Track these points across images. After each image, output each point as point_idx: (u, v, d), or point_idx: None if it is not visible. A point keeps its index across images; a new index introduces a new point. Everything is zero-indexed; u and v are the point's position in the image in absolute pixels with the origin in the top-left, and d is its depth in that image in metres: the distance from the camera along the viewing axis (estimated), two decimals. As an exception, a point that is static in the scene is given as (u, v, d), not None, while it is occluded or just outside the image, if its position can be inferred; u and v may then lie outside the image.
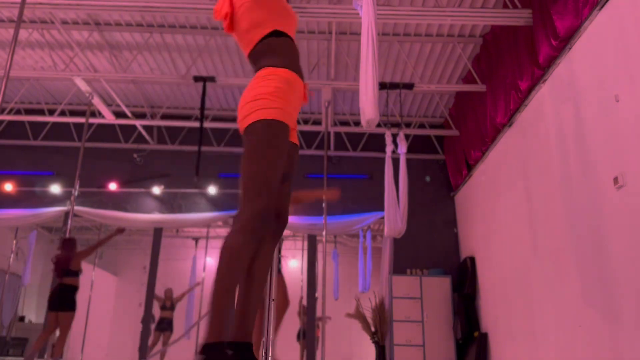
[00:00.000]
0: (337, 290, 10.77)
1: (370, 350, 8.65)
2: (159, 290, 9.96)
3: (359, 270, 9.85)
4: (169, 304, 10.27)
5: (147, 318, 9.11)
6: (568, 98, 5.11)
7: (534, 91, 5.90)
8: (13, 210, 9.17)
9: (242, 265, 1.81)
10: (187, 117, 9.64)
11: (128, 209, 9.33)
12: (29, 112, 9.59)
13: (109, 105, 8.89)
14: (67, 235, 7.45)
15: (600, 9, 4.49)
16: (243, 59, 8.07)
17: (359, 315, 8.45)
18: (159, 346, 9.77)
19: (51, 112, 9.32)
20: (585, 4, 4.69)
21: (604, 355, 4.32)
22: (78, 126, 9.66)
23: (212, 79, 7.36)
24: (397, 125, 7.90)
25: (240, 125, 2.02)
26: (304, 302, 9.31)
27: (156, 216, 9.33)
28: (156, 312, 9.99)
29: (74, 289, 6.58)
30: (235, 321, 1.88)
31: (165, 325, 10.08)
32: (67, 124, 9.71)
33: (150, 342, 9.62)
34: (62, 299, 6.51)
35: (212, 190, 9.33)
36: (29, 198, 9.26)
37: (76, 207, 8.04)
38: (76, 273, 6.64)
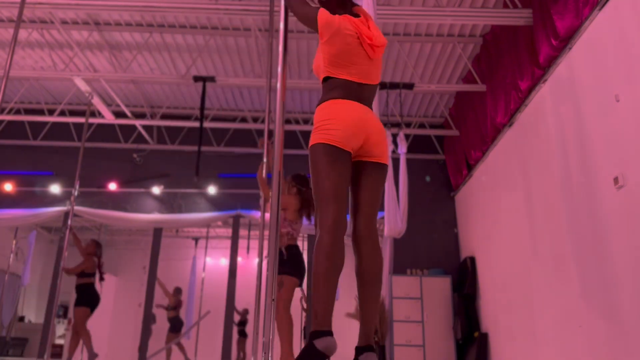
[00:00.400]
0: (337, 290, 10.77)
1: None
2: (159, 290, 9.95)
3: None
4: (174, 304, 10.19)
5: (147, 318, 9.10)
6: (568, 98, 5.11)
7: (534, 91, 5.90)
8: (13, 210, 9.16)
9: None
10: (187, 117, 9.63)
11: (128, 209, 9.33)
12: (29, 112, 9.59)
13: (108, 105, 8.89)
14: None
15: (600, 9, 4.49)
16: (243, 59, 8.07)
17: (359, 315, 8.44)
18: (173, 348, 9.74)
19: (51, 112, 9.31)
20: (585, 4, 4.69)
21: (603, 355, 4.32)
22: (78, 126, 9.65)
23: (212, 79, 7.36)
24: (397, 125, 7.90)
25: (384, 156, 2.41)
26: (304, 301, 9.29)
27: (156, 216, 9.33)
28: (157, 311, 9.96)
29: None
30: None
31: (178, 325, 10.04)
32: (67, 124, 9.70)
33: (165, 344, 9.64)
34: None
35: (212, 190, 9.33)
36: (29, 198, 9.25)
37: (76, 207, 8.02)
38: None
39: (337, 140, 2.25)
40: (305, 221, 4.75)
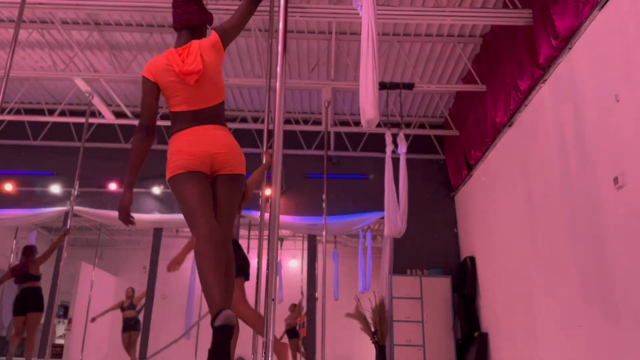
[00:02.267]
0: (337, 290, 10.77)
1: (370, 350, 8.65)
2: (159, 290, 9.94)
3: (359, 270, 9.85)
4: (127, 304, 9.73)
5: (147, 318, 9.09)
6: (568, 98, 5.11)
7: (534, 91, 5.90)
8: (13, 210, 9.16)
9: None
10: (187, 117, 9.62)
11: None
12: (29, 112, 9.59)
13: (109, 105, 8.89)
14: (28, 243, 7.65)
15: (600, 9, 4.49)
16: (243, 59, 8.07)
17: (359, 315, 8.45)
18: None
19: (51, 112, 9.31)
20: (585, 4, 4.69)
21: (603, 355, 4.32)
22: (78, 126, 9.65)
23: (212, 79, 7.34)
24: (397, 125, 7.89)
25: (237, 168, 2.57)
26: (304, 302, 9.30)
27: (156, 216, 9.33)
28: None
29: (37, 290, 6.76)
30: None
31: (133, 325, 9.43)
32: (67, 124, 9.70)
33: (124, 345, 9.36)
34: (28, 302, 6.65)
35: (212, 190, 9.31)
36: (29, 198, 9.25)
37: (76, 207, 8.04)
38: (37, 277, 6.83)
39: (185, 166, 2.45)
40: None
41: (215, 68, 2.60)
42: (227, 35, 2.71)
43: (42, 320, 6.79)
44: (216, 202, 2.49)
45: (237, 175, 2.56)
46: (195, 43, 2.62)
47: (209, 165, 2.49)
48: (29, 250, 6.99)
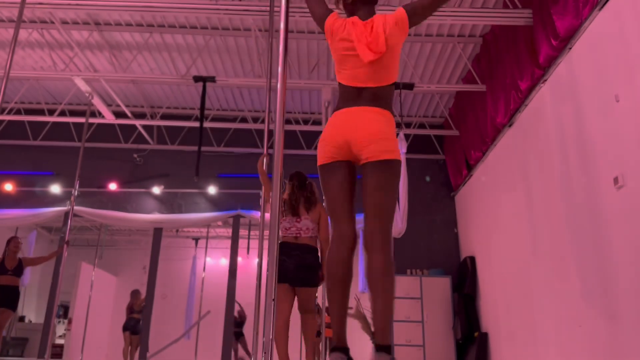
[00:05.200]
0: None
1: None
2: (159, 290, 9.93)
3: (359, 270, 9.83)
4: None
5: (147, 318, 9.08)
6: (568, 98, 5.11)
7: (534, 91, 5.90)
8: (13, 210, 9.16)
9: None
10: (187, 117, 9.63)
11: (128, 209, 9.33)
12: (29, 112, 9.59)
13: (109, 105, 8.89)
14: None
15: (600, 9, 4.49)
16: (243, 59, 8.07)
17: (359, 315, 8.44)
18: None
19: (51, 112, 9.31)
20: (585, 4, 4.69)
21: (603, 355, 4.32)
22: (78, 126, 9.65)
23: (212, 79, 7.35)
24: (397, 125, 7.89)
25: (379, 154, 2.28)
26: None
27: (156, 216, 9.33)
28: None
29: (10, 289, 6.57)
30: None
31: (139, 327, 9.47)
32: (67, 124, 9.70)
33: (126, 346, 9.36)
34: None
35: (212, 190, 9.32)
36: (29, 198, 9.25)
37: (76, 207, 8.02)
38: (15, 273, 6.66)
39: (327, 157, 2.36)
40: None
41: (395, 49, 2.38)
42: (416, 15, 2.49)
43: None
44: (363, 197, 2.31)
45: (378, 163, 2.29)
46: (379, 18, 2.40)
47: (348, 153, 2.33)
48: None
